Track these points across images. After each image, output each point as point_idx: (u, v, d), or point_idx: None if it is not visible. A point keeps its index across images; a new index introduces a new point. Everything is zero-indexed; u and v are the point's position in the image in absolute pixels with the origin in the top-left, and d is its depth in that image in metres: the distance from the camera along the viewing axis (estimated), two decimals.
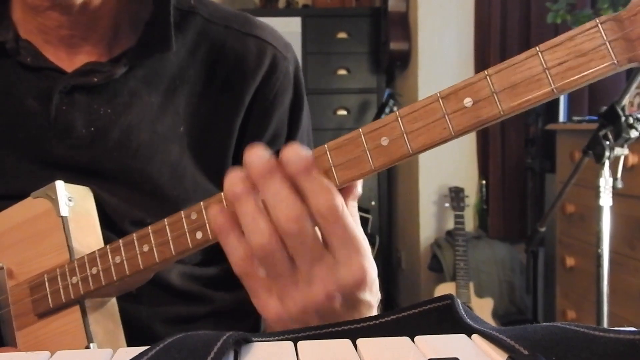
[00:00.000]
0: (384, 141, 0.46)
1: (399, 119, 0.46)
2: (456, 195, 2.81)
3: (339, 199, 0.46)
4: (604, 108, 1.56)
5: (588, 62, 0.41)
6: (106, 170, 0.70)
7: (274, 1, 3.71)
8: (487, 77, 0.43)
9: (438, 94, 0.45)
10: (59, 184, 0.64)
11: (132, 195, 0.70)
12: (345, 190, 0.49)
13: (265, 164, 0.47)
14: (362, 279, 0.47)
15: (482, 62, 2.94)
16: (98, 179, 0.69)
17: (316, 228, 0.48)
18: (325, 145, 0.48)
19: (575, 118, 2.33)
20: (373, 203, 3.53)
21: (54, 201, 0.64)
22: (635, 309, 1.87)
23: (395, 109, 2.98)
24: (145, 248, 0.55)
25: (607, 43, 0.40)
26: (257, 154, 0.47)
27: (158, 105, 0.71)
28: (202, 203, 0.52)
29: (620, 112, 1.50)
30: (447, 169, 3.00)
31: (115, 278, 0.58)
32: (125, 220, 0.69)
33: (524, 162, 2.75)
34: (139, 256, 0.56)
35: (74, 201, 0.65)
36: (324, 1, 3.64)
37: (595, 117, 2.16)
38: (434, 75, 3.01)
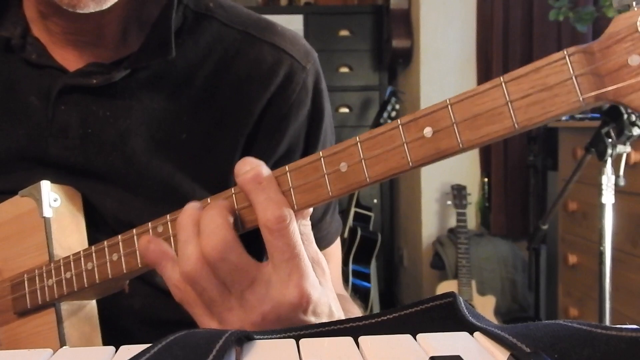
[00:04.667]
0: (343, 167, 0.45)
1: (359, 144, 0.44)
2: (458, 192, 2.81)
3: (287, 213, 0.46)
4: (607, 105, 1.56)
5: (552, 97, 0.37)
6: (99, 172, 0.68)
7: None
8: (449, 107, 0.41)
9: (399, 121, 0.43)
10: (44, 184, 0.64)
11: (124, 198, 0.69)
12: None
13: (213, 198, 0.49)
14: (298, 300, 0.47)
15: (485, 59, 2.94)
16: (91, 181, 0.68)
17: (244, 257, 0.47)
18: (287, 167, 0.47)
19: (578, 115, 2.32)
20: (375, 201, 3.53)
21: (38, 201, 0.64)
22: (637, 306, 1.86)
23: (397, 106, 2.98)
24: (115, 257, 0.55)
25: (574, 77, 0.37)
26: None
27: (160, 111, 0.69)
28: (168, 216, 0.52)
29: (623, 110, 1.50)
30: (450, 167, 3.00)
31: (86, 284, 0.58)
32: (116, 222, 0.68)
33: (526, 160, 2.75)
34: (108, 264, 0.56)
35: (60, 202, 0.65)
36: None
37: (597, 115, 2.16)
38: (436, 72, 3.01)
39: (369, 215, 3.29)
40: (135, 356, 0.33)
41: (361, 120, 3.45)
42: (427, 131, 0.42)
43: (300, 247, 0.47)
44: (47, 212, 0.63)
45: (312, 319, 0.48)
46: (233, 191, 0.50)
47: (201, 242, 0.47)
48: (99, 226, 0.68)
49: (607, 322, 1.59)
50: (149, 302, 0.71)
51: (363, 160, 0.44)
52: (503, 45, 2.82)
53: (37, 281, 0.62)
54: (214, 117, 0.70)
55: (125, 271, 0.55)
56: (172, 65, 0.69)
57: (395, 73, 3.54)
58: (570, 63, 0.37)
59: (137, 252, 0.54)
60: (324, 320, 0.50)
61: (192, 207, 0.50)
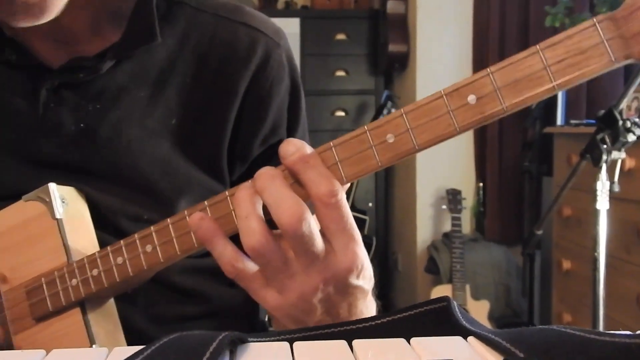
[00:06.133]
0: (390, 138, 0.47)
1: (404, 115, 0.47)
2: (453, 197, 2.81)
3: (337, 185, 0.48)
4: (602, 112, 1.56)
5: (587, 59, 0.43)
6: (97, 167, 0.69)
7: (273, 2, 3.71)
8: (490, 74, 0.45)
9: (442, 91, 0.46)
10: (52, 186, 0.63)
11: (126, 192, 0.69)
12: None
13: (268, 170, 0.49)
14: (355, 265, 0.49)
15: (481, 65, 2.94)
16: (90, 177, 0.68)
17: (316, 228, 0.49)
18: (331, 142, 0.49)
19: (573, 122, 2.33)
20: (370, 205, 3.53)
21: (48, 204, 0.63)
22: (631, 313, 1.87)
23: (393, 110, 2.98)
24: (149, 248, 0.56)
25: (605, 41, 0.42)
26: (266, 167, 0.50)
27: (148, 98, 0.70)
28: (206, 202, 0.53)
29: (618, 116, 1.51)
30: (445, 172, 3.00)
31: (118, 279, 0.58)
32: (120, 216, 0.68)
33: (522, 165, 2.75)
34: (142, 256, 0.56)
35: (67, 203, 0.64)
36: (323, 2, 3.64)
37: (593, 121, 2.17)
38: (432, 77, 3.01)
39: (363, 218, 3.29)
40: (127, 358, 0.33)
41: (357, 124, 3.45)
42: (471, 98, 0.45)
43: (351, 216, 0.49)
44: (60, 214, 0.63)
45: (361, 283, 0.51)
46: None
47: (277, 215, 0.47)
48: (100, 223, 0.67)
49: (601, 329, 1.59)
50: (152, 299, 0.72)
51: (410, 130, 0.47)
52: (499, 51, 2.83)
53: (59, 283, 0.61)
54: (201, 101, 0.71)
55: (162, 260, 0.55)
56: (154, 53, 0.70)
57: (391, 78, 3.55)
58: (600, 29, 0.42)
59: (174, 239, 0.54)
60: (368, 282, 0.53)
61: (245, 184, 0.50)
